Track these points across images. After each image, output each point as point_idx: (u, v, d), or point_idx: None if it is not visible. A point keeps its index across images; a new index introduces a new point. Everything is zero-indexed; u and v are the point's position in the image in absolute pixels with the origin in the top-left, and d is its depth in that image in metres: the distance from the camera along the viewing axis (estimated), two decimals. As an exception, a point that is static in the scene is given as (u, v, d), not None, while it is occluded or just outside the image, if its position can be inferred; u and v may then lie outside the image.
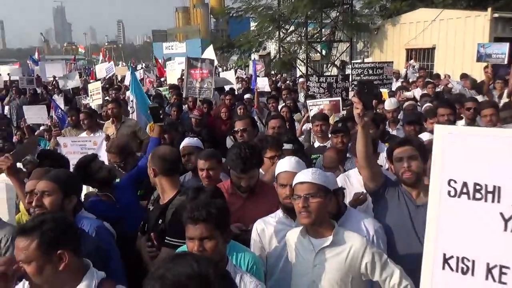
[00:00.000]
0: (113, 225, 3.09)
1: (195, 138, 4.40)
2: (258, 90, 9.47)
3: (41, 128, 10.84)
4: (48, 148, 6.88)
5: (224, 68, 23.71)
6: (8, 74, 16.32)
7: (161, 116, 4.13)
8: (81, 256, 2.11)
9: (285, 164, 2.83)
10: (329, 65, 21.21)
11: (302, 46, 21.35)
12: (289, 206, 2.66)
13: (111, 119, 6.71)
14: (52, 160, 3.66)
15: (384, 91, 9.00)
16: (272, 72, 21.57)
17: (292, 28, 21.87)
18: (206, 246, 2.18)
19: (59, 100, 11.03)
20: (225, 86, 11.25)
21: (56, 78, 14.75)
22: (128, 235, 3.21)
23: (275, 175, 2.88)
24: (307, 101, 7.58)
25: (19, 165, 4.95)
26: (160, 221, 2.98)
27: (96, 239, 2.62)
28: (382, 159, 3.91)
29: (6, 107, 13.55)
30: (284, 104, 8.22)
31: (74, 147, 5.82)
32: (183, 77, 9.83)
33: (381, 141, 4.61)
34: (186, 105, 9.07)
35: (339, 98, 7.10)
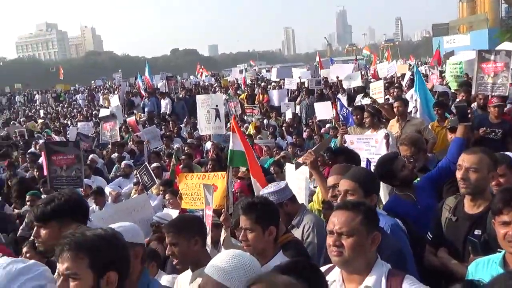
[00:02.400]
0: (406, 224, 3.06)
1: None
2: None
3: (327, 126, 11.77)
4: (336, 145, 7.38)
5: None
6: (299, 77, 18.25)
7: (469, 116, 3.82)
8: None
9: None
10: None
11: None
12: None
13: (396, 117, 6.70)
14: (346, 157, 3.86)
15: None
16: None
17: None
18: None
19: (343, 99, 11.71)
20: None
21: (339, 78, 15.68)
22: (420, 236, 3.12)
23: None
24: None
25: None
26: (477, 231, 2.76)
27: (397, 240, 2.63)
28: None
29: (298, 107, 15.22)
30: None
31: (360, 144, 6.04)
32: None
33: None
34: (475, 104, 8.26)
35: None
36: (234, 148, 4.65)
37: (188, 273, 2.80)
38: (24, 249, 4.63)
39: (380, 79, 15.77)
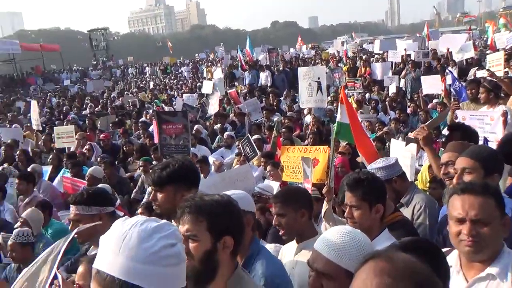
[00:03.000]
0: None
1: None
2: None
3: (434, 101, 11.10)
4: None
5: None
6: (405, 49, 17.32)
7: None
8: None
9: None
10: None
11: None
12: None
13: (517, 93, 6.09)
14: (463, 133, 3.59)
15: None
16: None
17: None
18: None
19: (454, 73, 10.91)
20: None
21: (450, 50, 14.62)
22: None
23: None
24: None
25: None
26: None
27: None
28: None
29: (402, 80, 14.50)
30: None
31: (473, 121, 5.62)
32: None
33: None
34: None
35: None
36: (341, 120, 4.53)
37: (292, 244, 2.83)
38: (139, 210, 5.03)
39: (498, 50, 14.42)
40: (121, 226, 1.22)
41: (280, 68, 18.87)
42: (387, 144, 7.31)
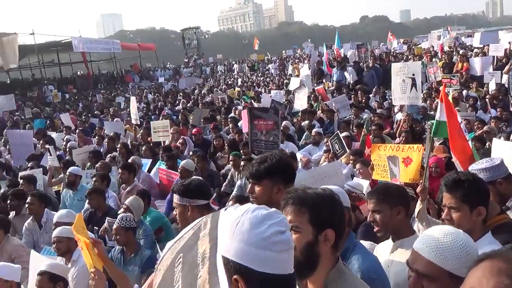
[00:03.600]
0: None
1: None
2: None
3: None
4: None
5: None
6: (509, 42, 16.09)
7: None
8: None
9: None
10: None
11: None
12: None
13: None
14: None
15: None
16: None
17: None
18: None
19: None
20: None
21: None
22: None
23: None
24: None
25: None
26: None
27: None
28: None
29: (505, 76, 13.46)
30: None
31: None
32: None
33: None
34: None
35: None
36: (440, 118, 4.36)
37: (388, 243, 2.79)
38: (230, 203, 5.21)
39: None
40: (234, 212, 1.30)
41: (370, 65, 18.37)
42: (487, 144, 6.89)
